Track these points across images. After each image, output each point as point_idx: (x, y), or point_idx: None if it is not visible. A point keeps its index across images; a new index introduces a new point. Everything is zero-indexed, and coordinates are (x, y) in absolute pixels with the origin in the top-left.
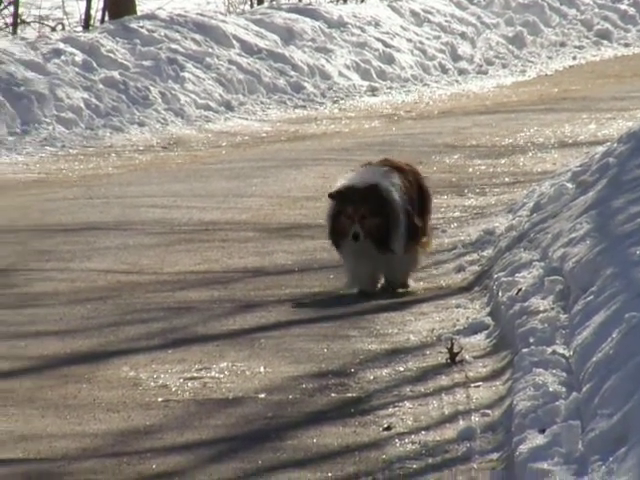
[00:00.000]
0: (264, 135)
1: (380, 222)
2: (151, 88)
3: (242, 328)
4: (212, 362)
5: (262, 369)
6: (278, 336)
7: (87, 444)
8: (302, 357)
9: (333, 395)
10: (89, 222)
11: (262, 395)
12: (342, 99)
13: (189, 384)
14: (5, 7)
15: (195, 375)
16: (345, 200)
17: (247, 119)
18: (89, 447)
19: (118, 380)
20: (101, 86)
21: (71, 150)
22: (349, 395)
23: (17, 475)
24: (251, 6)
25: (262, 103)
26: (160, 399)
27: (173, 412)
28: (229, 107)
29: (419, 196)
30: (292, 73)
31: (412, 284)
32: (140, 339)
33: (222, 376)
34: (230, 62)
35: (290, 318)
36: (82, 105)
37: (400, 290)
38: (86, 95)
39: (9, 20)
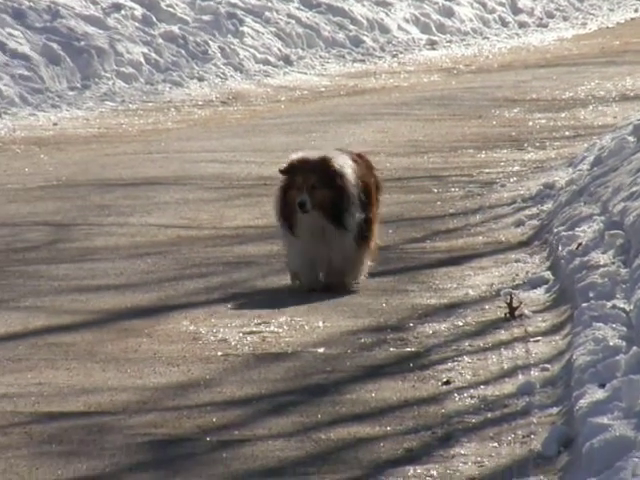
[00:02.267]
0: (323, 90)
1: (331, 194)
2: (210, 43)
3: None
4: (271, 316)
5: (321, 323)
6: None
7: (147, 397)
8: (361, 311)
9: (392, 349)
10: (149, 177)
11: (321, 349)
12: (401, 53)
13: (248, 338)
14: None
15: (254, 329)
16: (295, 172)
17: (306, 73)
18: (149, 400)
19: (178, 334)
20: (161, 41)
21: (131, 105)
22: (408, 349)
23: (79, 428)
24: None
25: (321, 57)
26: (220, 353)
27: (232, 366)
28: (288, 61)
29: (374, 191)
30: (351, 27)
31: (362, 279)
32: (199, 293)
33: (281, 330)
34: (289, 16)
35: None
36: (142, 60)
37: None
38: (146, 50)
39: None
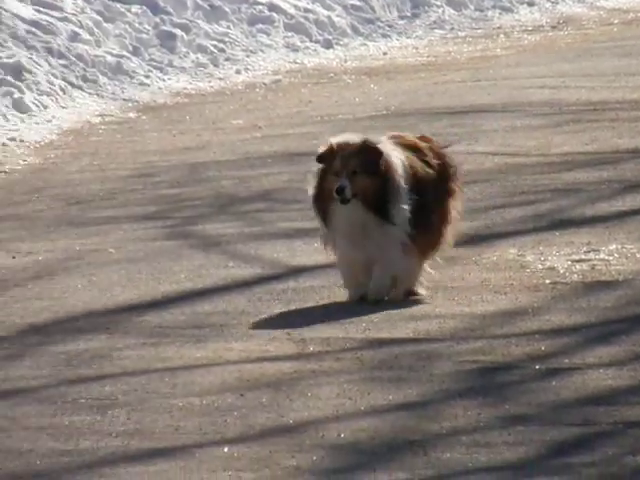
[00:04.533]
0: None
1: (375, 181)
2: None
3: (632, 209)
4: (600, 244)
5: None
6: None
7: (475, 325)
8: None
9: None
10: (476, 104)
11: None
12: None
13: (577, 266)
14: None
15: (583, 257)
16: (333, 156)
17: None
18: (477, 328)
19: (505, 262)
20: None
21: (459, 32)
22: None
23: (408, 354)
24: None
25: None
26: (548, 281)
27: (561, 294)
28: None
29: (439, 181)
30: None
31: (422, 291)
32: (527, 221)
33: (611, 258)
34: None
35: None
36: None
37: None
38: None
39: None
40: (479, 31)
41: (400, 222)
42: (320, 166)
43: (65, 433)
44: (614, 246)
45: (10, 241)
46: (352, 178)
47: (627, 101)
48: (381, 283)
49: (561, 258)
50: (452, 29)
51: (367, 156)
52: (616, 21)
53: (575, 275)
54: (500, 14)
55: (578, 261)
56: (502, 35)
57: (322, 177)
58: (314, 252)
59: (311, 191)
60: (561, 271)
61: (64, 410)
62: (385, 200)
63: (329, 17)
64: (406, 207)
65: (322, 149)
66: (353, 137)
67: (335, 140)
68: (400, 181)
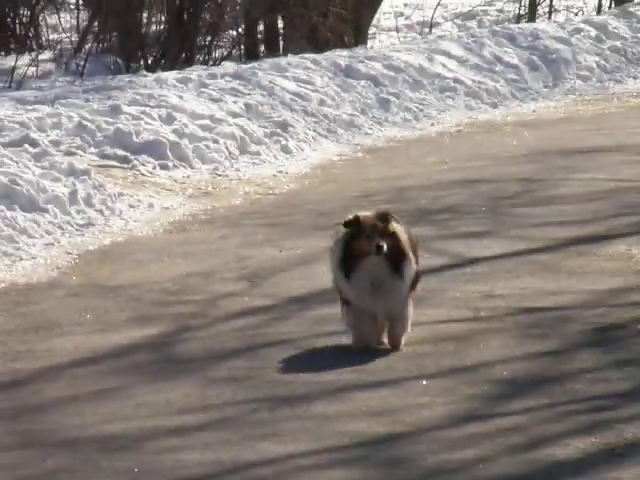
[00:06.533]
0: None
1: (395, 241)
2: None
3: None
4: None
5: None
6: None
7: None
8: None
9: None
10: (597, 146)
11: None
12: None
13: None
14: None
15: None
16: (362, 223)
17: None
18: None
19: (618, 254)
20: (608, 52)
21: (586, 97)
22: None
23: None
24: None
25: None
26: None
27: None
28: None
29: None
30: None
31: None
32: (633, 226)
33: None
34: None
35: None
36: (594, 66)
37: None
38: (597, 59)
39: (546, 10)
40: (599, 96)
41: (407, 276)
42: (346, 234)
43: None
44: None
45: (278, 240)
46: (382, 238)
47: None
48: (402, 332)
49: None
50: (580, 95)
51: (387, 224)
52: None
53: None
54: (614, 84)
55: None
56: (615, 99)
57: (351, 240)
58: (483, 248)
59: (338, 256)
60: None
61: None
62: (401, 256)
63: (495, 87)
64: (413, 265)
65: (349, 218)
66: (370, 212)
67: (357, 213)
68: (407, 243)
